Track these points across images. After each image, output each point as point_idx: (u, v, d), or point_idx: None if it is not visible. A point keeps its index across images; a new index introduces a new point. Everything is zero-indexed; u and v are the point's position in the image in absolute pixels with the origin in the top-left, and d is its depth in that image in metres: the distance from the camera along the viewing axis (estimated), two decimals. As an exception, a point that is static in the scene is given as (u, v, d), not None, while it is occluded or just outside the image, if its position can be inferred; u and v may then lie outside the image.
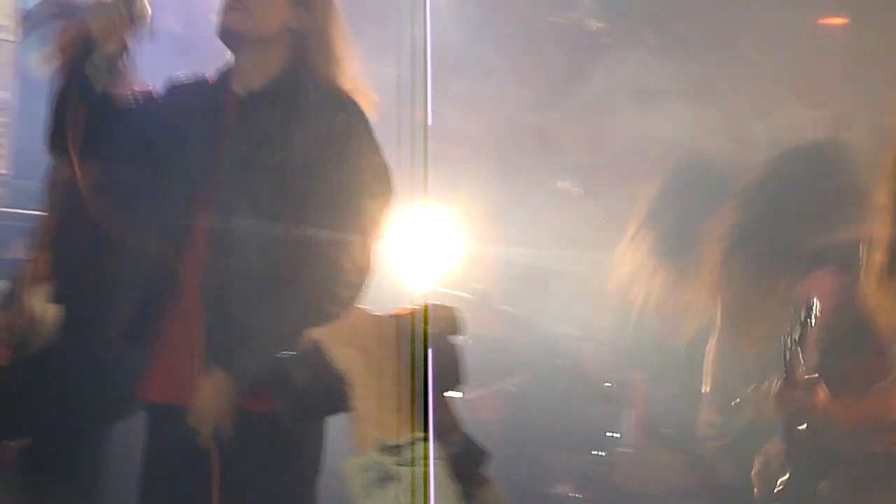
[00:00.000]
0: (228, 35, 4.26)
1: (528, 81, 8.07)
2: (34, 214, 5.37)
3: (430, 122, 6.23)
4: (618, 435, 6.93)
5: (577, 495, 6.87)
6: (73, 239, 4.95)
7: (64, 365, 4.89)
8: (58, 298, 4.94)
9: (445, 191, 7.31)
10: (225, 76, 4.35)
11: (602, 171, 7.94)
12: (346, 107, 4.30)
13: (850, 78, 7.60)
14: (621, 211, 7.58)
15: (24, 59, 8.68)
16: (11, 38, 8.80)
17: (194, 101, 4.36)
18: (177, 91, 4.47)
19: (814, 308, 4.41)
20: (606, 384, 7.04)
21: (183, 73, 4.51)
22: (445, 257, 7.42)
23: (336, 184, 4.18)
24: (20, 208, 7.54)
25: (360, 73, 4.38)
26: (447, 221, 7.42)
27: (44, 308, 4.87)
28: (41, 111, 7.54)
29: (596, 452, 6.88)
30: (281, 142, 4.18)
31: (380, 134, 4.28)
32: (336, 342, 2.08)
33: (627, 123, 7.80)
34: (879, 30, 7.43)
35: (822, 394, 4.50)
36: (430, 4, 7.28)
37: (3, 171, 8.73)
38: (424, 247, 7.18)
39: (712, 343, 5.71)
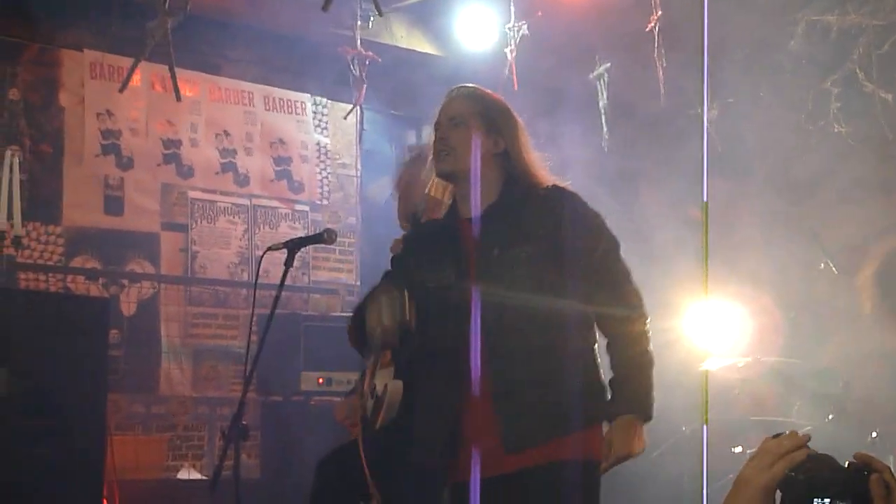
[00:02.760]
0: (445, 176, 4.50)
1: (788, 181, 8.53)
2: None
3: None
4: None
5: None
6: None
7: (404, 436, 4.99)
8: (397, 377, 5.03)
9: (726, 274, 8.10)
10: (453, 206, 4.55)
11: (853, 253, 8.31)
12: (570, 197, 4.47)
13: None
14: (873, 286, 8.16)
15: (365, 191, 9.88)
16: (354, 174, 9.95)
17: (437, 231, 4.60)
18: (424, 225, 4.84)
19: None
20: (873, 434, 7.28)
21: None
22: (729, 330, 7.97)
23: (585, 263, 4.36)
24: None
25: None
26: (728, 300, 8.04)
27: (386, 386, 5.02)
28: (380, 231, 8.38)
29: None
30: (524, 238, 4.35)
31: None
32: None
33: (872, 212, 8.26)
34: None
35: None
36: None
37: (353, 283, 9.67)
38: (708, 323, 7.87)
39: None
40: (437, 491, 5.25)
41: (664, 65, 8.39)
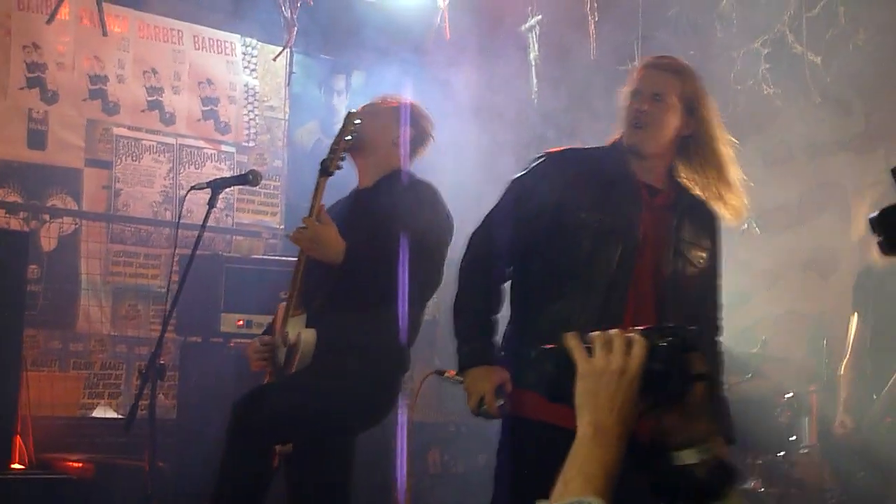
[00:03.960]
0: (634, 149, 4.45)
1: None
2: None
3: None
4: (794, 438, 7.21)
5: (765, 490, 7.10)
6: (319, 277, 5.25)
7: (318, 382, 5.12)
8: (309, 326, 5.18)
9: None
10: (631, 171, 4.47)
11: (778, 213, 8.29)
12: (715, 216, 4.58)
13: None
14: (794, 246, 8.20)
15: (292, 134, 9.70)
16: (282, 116, 9.75)
17: (604, 172, 4.48)
18: (576, 160, 4.57)
19: None
20: (787, 395, 7.32)
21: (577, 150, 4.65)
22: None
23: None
24: (291, 256, 8.25)
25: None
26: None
27: (300, 335, 5.15)
28: (306, 175, 8.25)
29: (780, 454, 7.17)
30: (701, 241, 4.52)
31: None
32: None
33: (799, 171, 8.25)
34: None
35: None
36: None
37: (277, 226, 9.52)
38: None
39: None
40: (349, 438, 5.41)
41: (596, 19, 8.35)
